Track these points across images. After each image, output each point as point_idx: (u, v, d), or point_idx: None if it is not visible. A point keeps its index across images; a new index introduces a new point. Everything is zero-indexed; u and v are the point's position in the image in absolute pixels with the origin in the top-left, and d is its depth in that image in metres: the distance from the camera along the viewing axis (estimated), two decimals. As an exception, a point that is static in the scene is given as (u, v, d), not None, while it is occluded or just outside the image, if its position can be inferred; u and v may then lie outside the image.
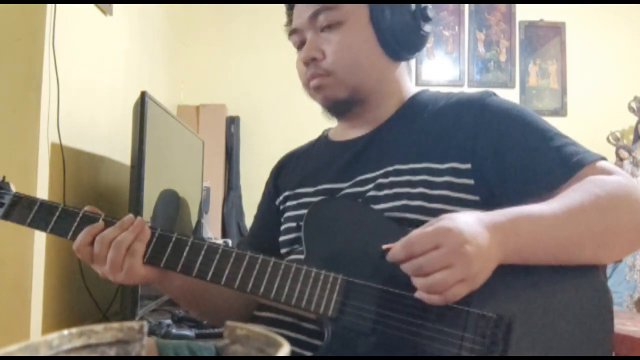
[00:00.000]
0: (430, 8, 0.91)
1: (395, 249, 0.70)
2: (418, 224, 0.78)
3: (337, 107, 0.94)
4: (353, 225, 0.82)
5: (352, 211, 0.84)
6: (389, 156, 0.88)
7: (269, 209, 1.04)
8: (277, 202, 1.02)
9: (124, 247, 0.80)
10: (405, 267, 0.69)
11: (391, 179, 0.85)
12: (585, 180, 0.77)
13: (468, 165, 0.82)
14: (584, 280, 0.74)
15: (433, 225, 0.70)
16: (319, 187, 0.93)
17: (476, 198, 0.82)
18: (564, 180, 0.78)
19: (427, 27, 0.91)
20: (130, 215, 0.83)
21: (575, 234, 0.73)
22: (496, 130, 0.83)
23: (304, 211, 0.90)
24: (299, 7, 0.94)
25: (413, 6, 0.90)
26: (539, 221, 0.73)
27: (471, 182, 0.82)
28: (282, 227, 0.97)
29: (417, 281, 0.69)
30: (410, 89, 0.98)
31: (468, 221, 0.70)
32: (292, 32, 0.95)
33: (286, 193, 1.00)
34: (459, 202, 0.81)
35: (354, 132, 0.96)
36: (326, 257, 0.79)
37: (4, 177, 0.89)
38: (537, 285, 0.73)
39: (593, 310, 0.73)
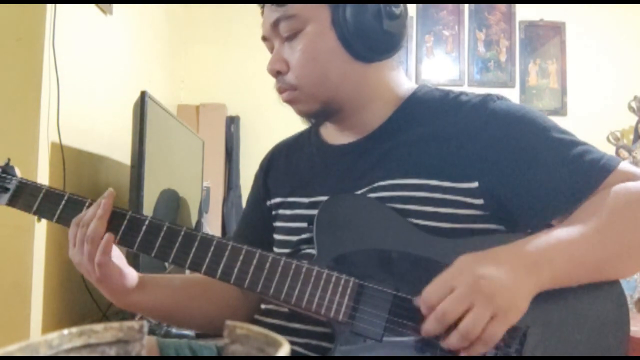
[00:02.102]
0: (399, 5, 0.82)
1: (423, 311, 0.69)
2: (429, 230, 0.77)
3: (314, 118, 0.90)
4: (366, 224, 0.79)
5: (365, 209, 0.80)
6: (387, 168, 0.83)
7: (259, 208, 1.00)
8: (268, 204, 0.98)
9: (98, 237, 0.79)
10: (430, 323, 0.67)
11: (390, 193, 0.80)
12: (610, 192, 0.74)
13: (475, 184, 0.78)
14: (603, 290, 0.73)
15: (444, 271, 0.69)
16: (314, 199, 0.88)
17: (487, 213, 0.78)
18: (588, 193, 0.75)
19: (393, 26, 0.82)
20: (110, 190, 0.81)
21: (609, 253, 0.72)
22: (504, 144, 0.78)
23: (299, 224, 0.88)
24: (264, 12, 0.87)
25: (379, 2, 0.81)
26: (571, 247, 0.70)
27: (480, 201, 0.78)
28: (276, 238, 0.93)
29: (451, 339, 0.66)
30: (405, 86, 0.90)
31: (483, 259, 0.68)
32: (262, 39, 0.89)
33: (278, 199, 0.95)
34: (468, 219, 0.78)
35: (347, 136, 0.90)
36: (338, 257, 0.77)
37: (8, 160, 0.86)
38: (554, 295, 0.71)
39: (610, 322, 0.72)
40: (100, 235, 0.79)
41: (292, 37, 0.84)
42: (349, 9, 0.81)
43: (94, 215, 0.79)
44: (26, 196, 0.83)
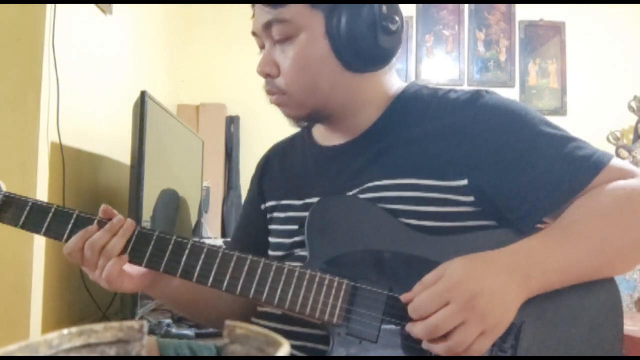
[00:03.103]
0: (396, 19, 0.80)
1: (409, 314, 0.68)
2: (421, 229, 0.77)
3: (302, 122, 0.90)
4: (358, 225, 0.78)
5: (356, 210, 0.79)
6: (377, 169, 0.82)
7: (255, 211, 1.00)
8: (263, 208, 0.98)
9: (115, 255, 0.78)
10: (419, 331, 0.67)
11: (381, 194, 0.79)
12: (605, 193, 0.73)
13: (464, 182, 0.77)
14: (597, 286, 0.73)
15: (439, 278, 0.68)
16: (307, 201, 0.88)
17: (479, 210, 0.78)
18: (579, 190, 0.74)
19: (388, 41, 0.80)
20: (120, 217, 0.80)
21: (600, 257, 0.72)
22: (493, 141, 0.77)
23: (292, 227, 0.88)
24: (257, 8, 0.84)
25: (375, 16, 0.79)
26: (564, 258, 0.70)
27: (471, 198, 0.77)
28: (271, 241, 0.93)
29: (436, 348, 0.67)
30: (396, 86, 0.89)
31: (477, 270, 0.68)
32: (252, 34, 0.87)
33: (272, 202, 0.95)
34: (460, 217, 0.77)
35: (338, 137, 0.90)
36: (330, 259, 0.77)
37: None
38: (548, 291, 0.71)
39: (604, 317, 0.72)
40: (117, 254, 0.78)
41: (284, 41, 0.82)
42: (344, 20, 0.79)
43: (109, 238, 0.78)
44: (12, 211, 0.80)
